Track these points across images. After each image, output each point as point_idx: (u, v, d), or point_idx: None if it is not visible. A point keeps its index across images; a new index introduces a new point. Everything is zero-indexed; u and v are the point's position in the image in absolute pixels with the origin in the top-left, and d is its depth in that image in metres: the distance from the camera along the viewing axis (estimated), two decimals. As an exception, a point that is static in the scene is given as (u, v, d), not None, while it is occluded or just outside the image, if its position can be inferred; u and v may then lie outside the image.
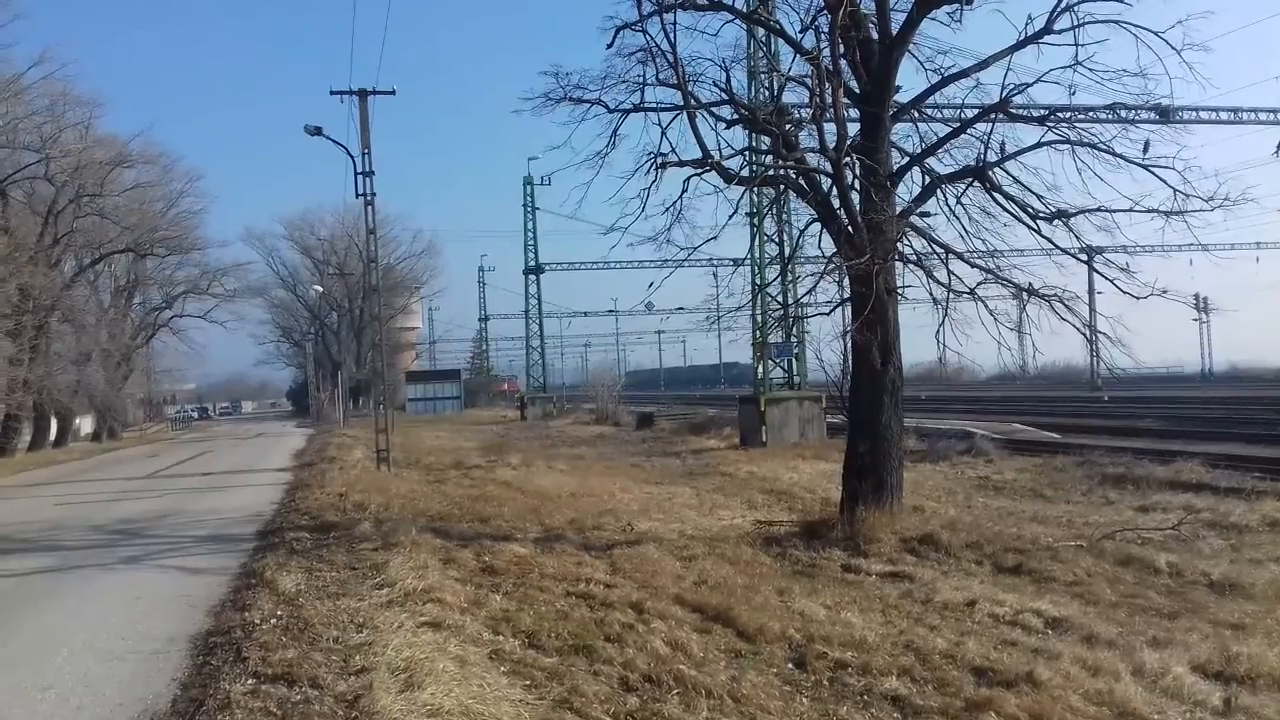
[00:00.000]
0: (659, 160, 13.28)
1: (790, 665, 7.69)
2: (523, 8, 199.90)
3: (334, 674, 6.85)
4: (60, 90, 42.88)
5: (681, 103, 13.09)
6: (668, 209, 13.62)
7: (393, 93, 27.20)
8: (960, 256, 13.34)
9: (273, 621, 8.51)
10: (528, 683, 6.93)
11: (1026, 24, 12.67)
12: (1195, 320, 75.70)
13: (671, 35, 12.86)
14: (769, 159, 14.73)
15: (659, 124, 13.36)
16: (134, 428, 72.04)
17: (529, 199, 65.72)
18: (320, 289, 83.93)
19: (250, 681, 6.79)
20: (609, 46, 13.26)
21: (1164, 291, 12.84)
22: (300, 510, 16.62)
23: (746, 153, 14.95)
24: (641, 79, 13.24)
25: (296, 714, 6.15)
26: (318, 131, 26.35)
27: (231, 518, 17.14)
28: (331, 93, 26.60)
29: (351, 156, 26.04)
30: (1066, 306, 12.76)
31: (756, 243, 28.47)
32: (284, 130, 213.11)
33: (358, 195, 26.42)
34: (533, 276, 67.35)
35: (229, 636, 8.26)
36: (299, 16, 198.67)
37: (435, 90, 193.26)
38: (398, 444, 29.12)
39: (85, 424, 58.56)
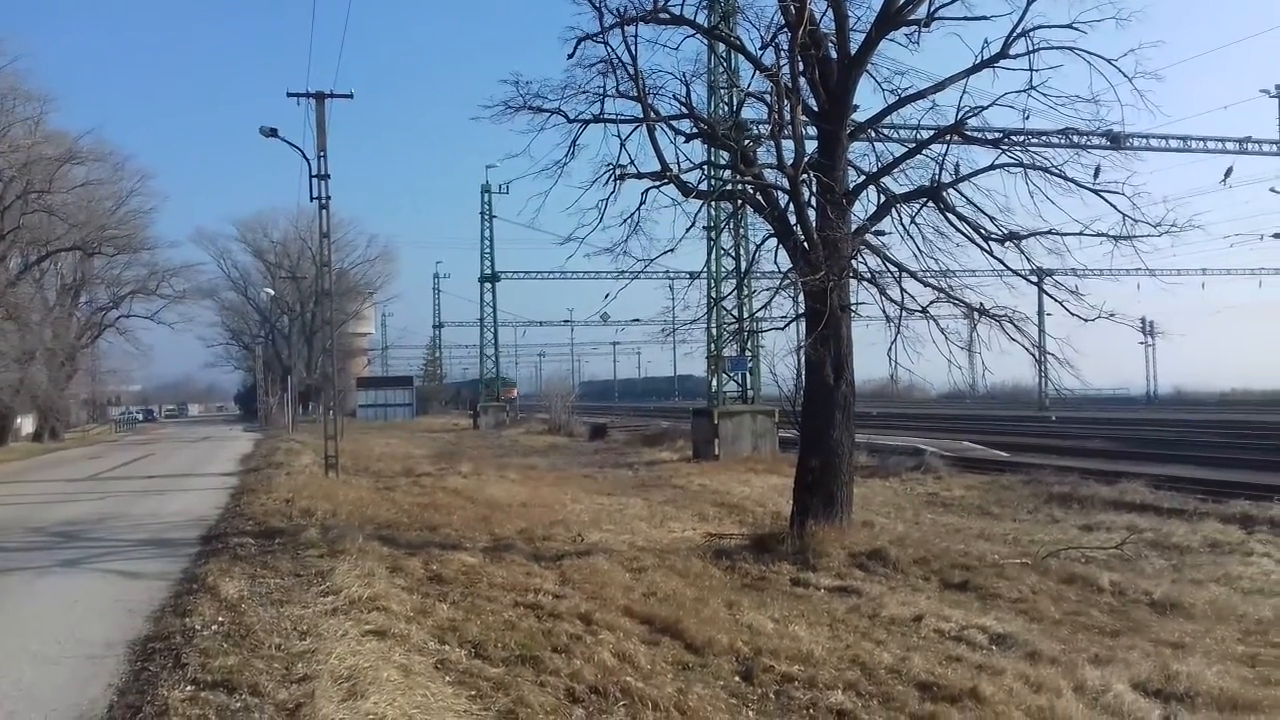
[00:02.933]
0: (618, 171, 13.29)
1: (737, 678, 7.69)
2: (482, 16, 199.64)
3: (275, 682, 6.76)
4: (9, 85, 42.22)
5: (641, 115, 13.11)
6: (625, 220, 13.66)
7: (350, 96, 26.96)
8: (913, 275, 13.48)
9: (214, 628, 8.39)
10: (473, 693, 6.88)
11: (983, 48, 12.89)
12: (1142, 343, 77.06)
13: (632, 48, 12.92)
14: (727, 174, 14.82)
15: (618, 135, 13.37)
16: (77, 429, 70.64)
17: (486, 207, 65.44)
18: (272, 292, 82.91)
19: (189, 688, 6.69)
20: (570, 57, 13.26)
21: (1112, 314, 13.07)
22: (245, 515, 16.40)
23: (705, 167, 15.00)
24: (602, 90, 13.24)
25: (235, 722, 6.05)
26: (273, 133, 26.03)
27: (174, 522, 16.86)
28: (288, 95, 26.35)
29: (307, 159, 25.83)
30: (1016, 327, 12.94)
31: (713, 256, 28.51)
32: (239, 132, 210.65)
33: (312, 198, 26.19)
34: (488, 284, 67.04)
35: (168, 642, 8.13)
36: (257, 19, 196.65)
37: (394, 95, 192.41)
38: (347, 450, 28.83)
39: (26, 424, 57.30)
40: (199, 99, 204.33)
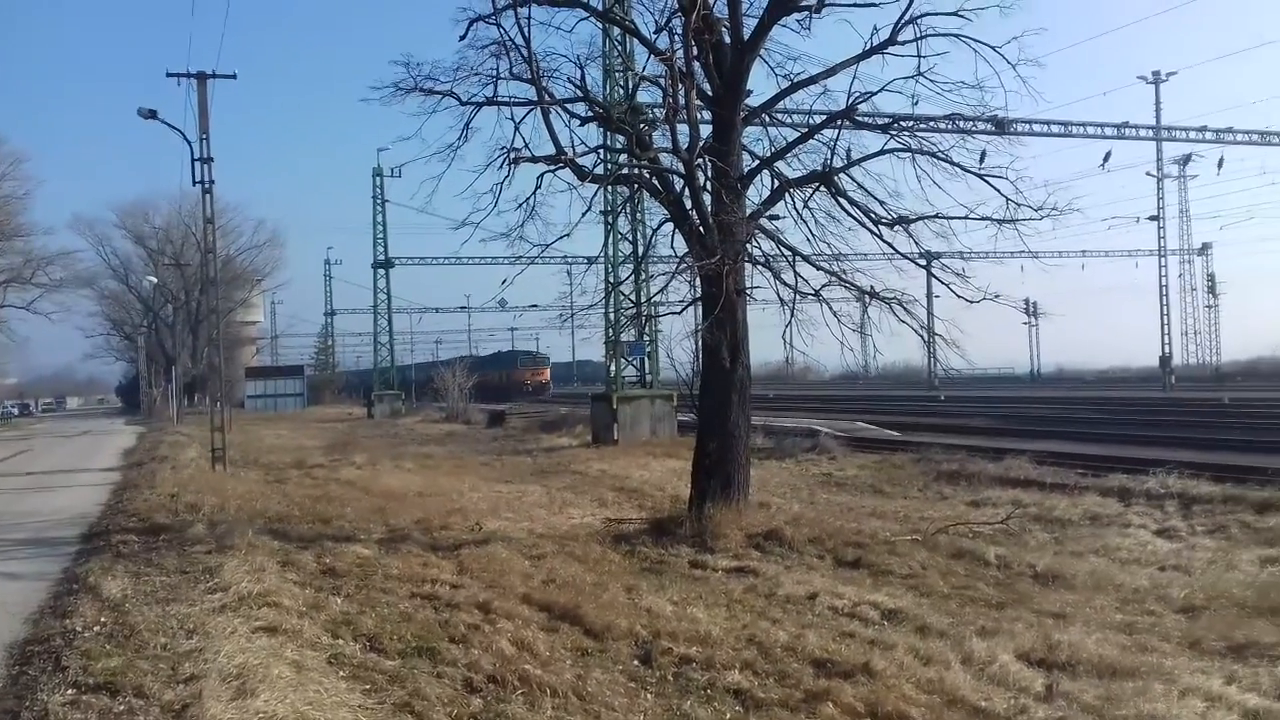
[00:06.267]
0: (512, 155, 13.17)
1: (636, 662, 7.72)
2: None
3: (161, 682, 6.57)
4: None
5: (535, 98, 13.01)
6: (521, 205, 13.56)
7: (233, 77, 26.13)
8: (807, 259, 13.69)
9: (96, 629, 8.11)
10: (368, 687, 6.78)
11: (872, 34, 13.12)
12: (1025, 324, 79.46)
13: (526, 30, 12.79)
14: (623, 158, 14.79)
15: (513, 119, 13.26)
16: (-54, 425, 67.40)
17: (378, 191, 64.15)
18: (154, 280, 80.00)
19: (70, 692, 6.47)
20: (462, 38, 13.08)
21: (996, 296, 13.49)
22: (128, 512, 15.85)
23: (601, 151, 14.96)
24: (495, 72, 13.11)
25: (119, 725, 5.85)
26: (152, 115, 25.11)
27: (53, 520, 16.21)
28: (168, 75, 25.47)
29: (189, 142, 24.91)
30: (906, 309, 13.25)
31: (610, 241, 28.52)
32: (117, 114, 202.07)
33: (195, 183, 25.26)
34: (382, 270, 65.85)
35: (48, 645, 7.83)
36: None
37: (280, 76, 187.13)
38: (235, 442, 28.11)
39: (-110, 421, 54.51)
40: (74, 79, 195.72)
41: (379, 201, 64.31)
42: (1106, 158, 47.90)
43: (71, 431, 56.42)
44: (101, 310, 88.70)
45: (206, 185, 25.22)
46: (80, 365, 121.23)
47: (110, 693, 6.41)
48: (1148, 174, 54.70)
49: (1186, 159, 61.06)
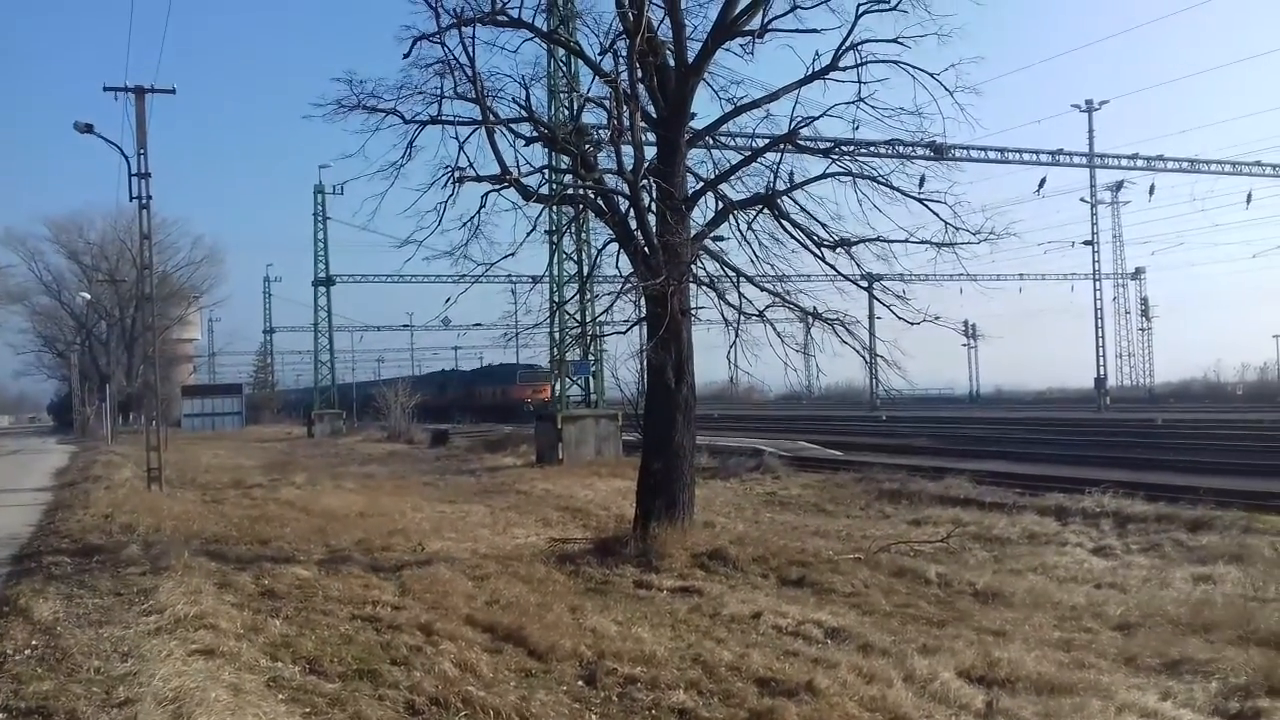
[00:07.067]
0: (456, 174, 13.12)
1: (580, 682, 7.68)
2: (316, 11, 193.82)
3: (95, 706, 6.41)
4: None
5: (480, 117, 12.97)
6: (465, 224, 13.51)
7: (172, 91, 25.85)
8: (751, 280, 13.81)
9: (26, 652, 7.89)
10: (307, 710, 6.67)
11: (814, 59, 13.34)
12: (964, 345, 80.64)
13: (470, 49, 12.74)
14: (568, 178, 14.81)
15: (457, 138, 13.18)
16: None
17: (320, 208, 63.55)
18: (88, 296, 78.36)
19: (1, 716, 6.29)
20: (405, 56, 12.99)
21: (936, 318, 13.70)
22: (60, 533, 15.45)
23: (546, 171, 14.96)
24: (439, 91, 13.04)
25: (50, 752, 5.71)
26: (89, 129, 24.71)
27: (-19, 541, 15.75)
28: (105, 89, 25.12)
29: (126, 157, 24.55)
30: (848, 330, 13.41)
31: (555, 260, 28.51)
32: (51, 126, 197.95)
33: (132, 198, 24.91)
34: (322, 288, 65.19)
35: (-24, 669, 7.60)
36: (68, 7, 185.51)
37: (222, 90, 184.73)
38: (171, 462, 27.61)
39: None
40: (5, 90, 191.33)
41: (320, 218, 63.77)
42: (1042, 184, 49.07)
43: (1, 450, 54.94)
44: (33, 326, 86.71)
45: (144, 201, 24.84)
46: (11, 383, 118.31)
47: (42, 717, 6.27)
48: (1082, 200, 56.13)
49: (1119, 185, 62.79)
